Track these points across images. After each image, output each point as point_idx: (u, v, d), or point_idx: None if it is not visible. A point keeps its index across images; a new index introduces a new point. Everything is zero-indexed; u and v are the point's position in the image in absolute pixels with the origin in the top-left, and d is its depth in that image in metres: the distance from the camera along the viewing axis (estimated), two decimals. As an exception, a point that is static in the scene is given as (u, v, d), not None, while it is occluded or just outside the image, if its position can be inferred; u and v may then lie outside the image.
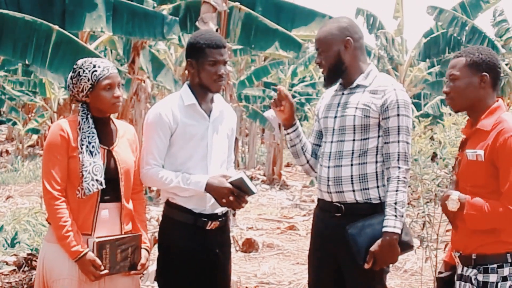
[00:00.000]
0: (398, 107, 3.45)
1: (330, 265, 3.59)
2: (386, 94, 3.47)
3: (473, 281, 3.13)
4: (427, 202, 5.58)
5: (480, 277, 3.11)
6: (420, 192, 5.61)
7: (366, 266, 3.37)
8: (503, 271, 3.09)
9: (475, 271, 3.14)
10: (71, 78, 3.44)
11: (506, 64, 14.58)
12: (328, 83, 3.66)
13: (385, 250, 3.36)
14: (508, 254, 3.09)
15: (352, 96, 3.56)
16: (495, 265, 3.10)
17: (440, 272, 3.42)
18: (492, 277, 3.09)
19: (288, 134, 3.75)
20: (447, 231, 7.46)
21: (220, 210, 3.66)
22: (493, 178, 3.08)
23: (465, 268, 3.19)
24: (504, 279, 3.08)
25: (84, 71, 3.39)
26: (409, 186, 4.03)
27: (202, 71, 3.59)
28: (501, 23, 14.69)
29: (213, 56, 3.57)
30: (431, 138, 6.10)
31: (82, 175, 3.29)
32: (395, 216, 3.36)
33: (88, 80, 3.38)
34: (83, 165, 3.30)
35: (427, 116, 15.13)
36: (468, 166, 3.18)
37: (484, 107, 3.19)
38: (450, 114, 6.04)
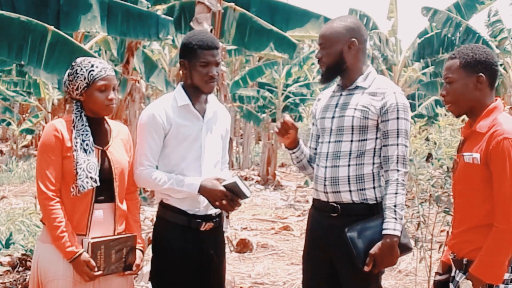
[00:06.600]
0: (397, 110, 3.46)
1: (324, 265, 3.58)
2: (386, 97, 3.48)
3: None
4: (422, 202, 5.57)
5: None
6: (415, 192, 5.60)
7: (366, 268, 3.37)
8: None
9: (464, 276, 3.06)
10: (68, 75, 3.44)
11: (501, 65, 14.61)
12: (325, 80, 3.63)
13: (386, 253, 3.36)
14: None
15: (351, 97, 3.55)
16: None
17: (437, 273, 3.37)
18: None
19: (293, 153, 3.75)
20: (442, 231, 7.49)
21: (214, 211, 3.65)
22: (489, 182, 3.01)
23: (457, 271, 3.14)
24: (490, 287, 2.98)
25: (81, 69, 3.39)
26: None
27: (194, 72, 3.58)
28: (496, 24, 14.74)
29: (205, 57, 3.55)
30: (427, 139, 6.09)
31: (77, 172, 3.28)
32: (395, 218, 3.37)
33: (84, 78, 3.38)
34: (77, 162, 3.29)
35: (421, 116, 15.18)
36: (465, 169, 3.13)
37: (483, 108, 3.12)
38: (445, 115, 6.04)
